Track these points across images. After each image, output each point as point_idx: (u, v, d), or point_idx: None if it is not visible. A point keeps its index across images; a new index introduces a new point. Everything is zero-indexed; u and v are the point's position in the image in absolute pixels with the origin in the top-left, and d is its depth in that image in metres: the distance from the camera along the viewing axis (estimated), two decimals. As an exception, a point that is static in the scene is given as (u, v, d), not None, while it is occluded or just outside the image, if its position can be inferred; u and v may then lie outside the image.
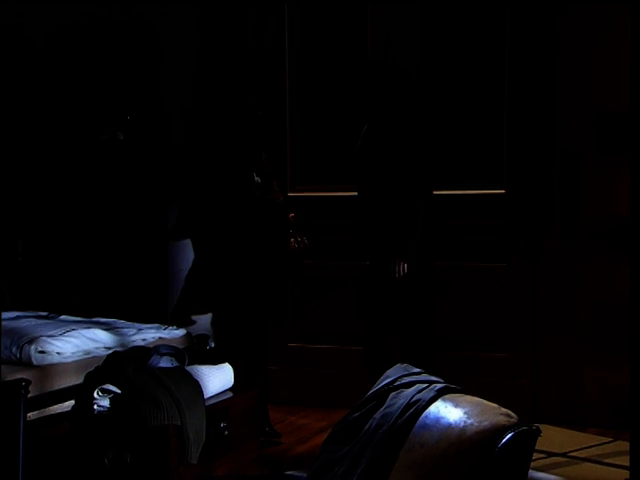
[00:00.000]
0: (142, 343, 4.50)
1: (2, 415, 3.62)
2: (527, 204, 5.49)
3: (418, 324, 4.87)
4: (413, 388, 1.94)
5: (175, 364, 4.16)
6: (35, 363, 3.90)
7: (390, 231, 4.79)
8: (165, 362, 4.11)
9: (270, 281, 5.32)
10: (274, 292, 5.43)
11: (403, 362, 4.60)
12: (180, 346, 4.57)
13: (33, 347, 3.91)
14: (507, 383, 5.41)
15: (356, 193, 5.11)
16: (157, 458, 3.77)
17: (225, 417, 4.14)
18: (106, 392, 3.92)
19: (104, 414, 3.88)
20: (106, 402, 3.91)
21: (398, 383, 1.99)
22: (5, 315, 4.62)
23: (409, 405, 1.87)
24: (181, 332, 4.87)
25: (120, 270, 6.23)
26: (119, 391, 3.91)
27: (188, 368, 4.20)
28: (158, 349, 4.21)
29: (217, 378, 4.27)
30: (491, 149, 5.65)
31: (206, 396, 4.09)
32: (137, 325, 4.74)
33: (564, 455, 4.71)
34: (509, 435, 1.64)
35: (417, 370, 2.06)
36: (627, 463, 3.50)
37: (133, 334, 4.52)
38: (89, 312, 5.15)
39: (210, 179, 5.38)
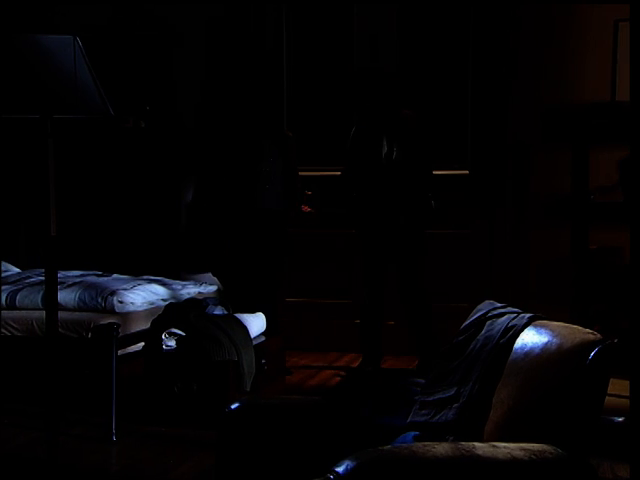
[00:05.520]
0: (187, 296, 4.73)
1: (99, 351, 3.87)
2: (486, 182, 5.86)
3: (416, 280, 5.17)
4: (505, 317, 2.27)
5: (225, 312, 4.41)
6: (117, 310, 4.15)
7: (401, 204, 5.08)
8: (218, 310, 4.37)
9: (279, 250, 5.49)
10: (283, 257, 5.60)
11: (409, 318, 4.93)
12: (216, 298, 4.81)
13: (115, 298, 4.15)
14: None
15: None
16: (219, 387, 4.07)
17: (264, 355, 4.42)
18: (172, 335, 4.18)
19: (172, 352, 4.14)
20: (172, 343, 4.18)
21: (490, 314, 2.32)
22: (72, 273, 4.81)
23: (507, 329, 2.20)
24: (214, 288, 5.13)
25: (141, 237, 6.37)
26: (184, 334, 4.16)
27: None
28: (209, 301, 4.46)
29: (255, 324, 4.56)
30: (457, 138, 6.01)
31: (250, 337, 4.36)
32: (179, 282, 4.96)
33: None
34: (598, 347, 1.98)
35: (502, 304, 2.39)
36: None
37: (180, 289, 4.77)
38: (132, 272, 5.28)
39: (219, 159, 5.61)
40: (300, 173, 6.07)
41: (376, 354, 5.20)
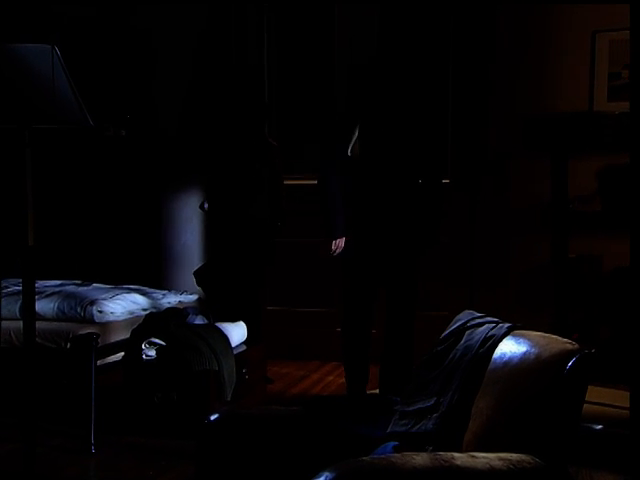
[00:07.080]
0: (168, 305, 4.70)
1: (78, 361, 3.84)
2: (466, 191, 5.86)
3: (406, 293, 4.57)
4: (484, 327, 2.28)
5: (206, 321, 4.39)
6: (96, 320, 4.11)
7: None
8: (199, 320, 4.35)
9: (262, 258, 5.45)
10: (265, 265, 5.57)
11: (388, 332, 4.51)
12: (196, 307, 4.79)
13: (94, 307, 4.11)
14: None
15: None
16: (199, 397, 4.04)
17: (245, 364, 4.40)
18: (152, 344, 4.15)
19: (152, 362, 4.12)
20: (152, 352, 4.15)
21: (470, 324, 2.33)
22: (51, 282, 4.77)
23: (486, 339, 2.20)
24: (194, 297, 5.09)
25: (121, 246, 6.34)
26: (164, 343, 4.14)
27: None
28: (189, 310, 4.43)
29: (236, 333, 4.54)
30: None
31: (231, 347, 4.34)
32: (160, 291, 4.93)
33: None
34: (575, 357, 1.99)
35: (481, 314, 2.40)
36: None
37: (161, 298, 4.73)
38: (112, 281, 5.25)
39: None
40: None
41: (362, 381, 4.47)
